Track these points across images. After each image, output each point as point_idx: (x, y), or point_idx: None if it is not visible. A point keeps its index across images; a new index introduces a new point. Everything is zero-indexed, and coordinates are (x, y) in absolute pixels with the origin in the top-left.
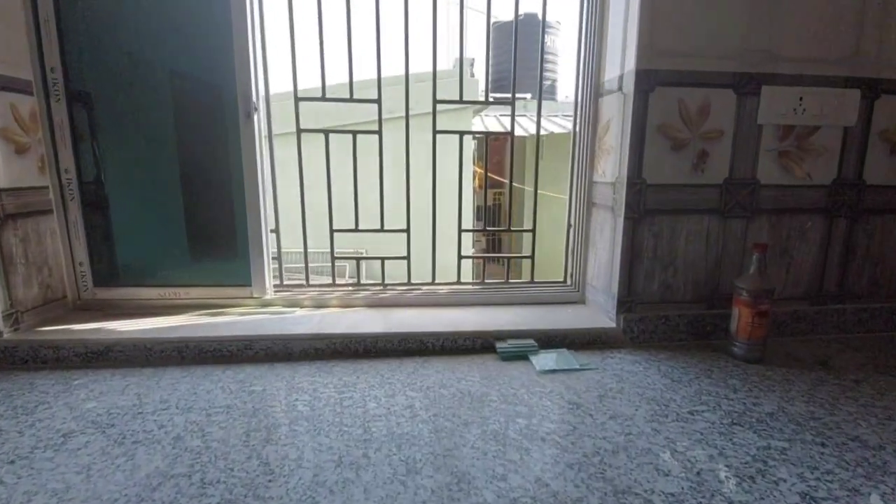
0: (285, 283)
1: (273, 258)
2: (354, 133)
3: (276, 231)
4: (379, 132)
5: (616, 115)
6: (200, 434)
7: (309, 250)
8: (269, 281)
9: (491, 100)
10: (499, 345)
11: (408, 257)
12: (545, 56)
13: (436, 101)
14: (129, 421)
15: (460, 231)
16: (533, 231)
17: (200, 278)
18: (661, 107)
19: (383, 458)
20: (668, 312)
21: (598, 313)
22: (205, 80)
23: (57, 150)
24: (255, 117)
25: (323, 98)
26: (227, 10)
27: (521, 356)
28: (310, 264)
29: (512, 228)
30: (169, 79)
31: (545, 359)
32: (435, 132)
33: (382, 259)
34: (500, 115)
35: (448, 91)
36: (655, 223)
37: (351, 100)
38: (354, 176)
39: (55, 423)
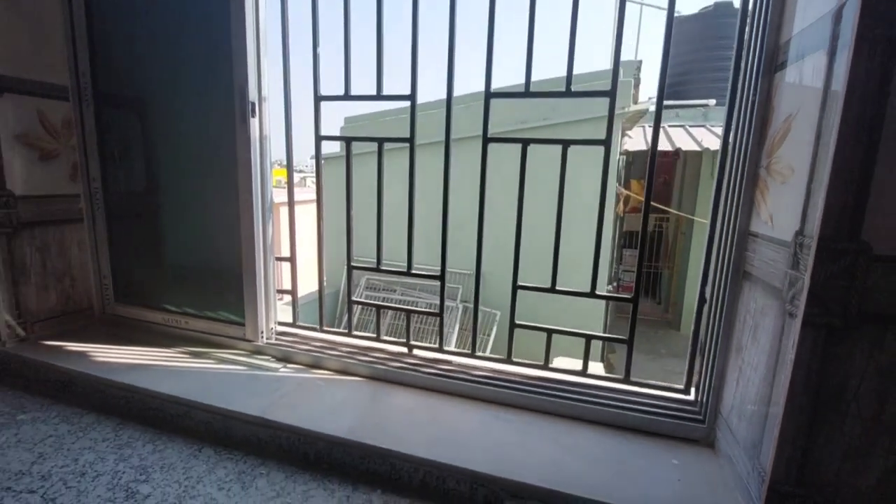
0: (279, 332)
1: (282, 291)
2: (380, 141)
3: (291, 260)
4: (411, 139)
5: (808, 102)
6: None
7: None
8: (263, 323)
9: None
10: None
11: (440, 313)
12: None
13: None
14: None
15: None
16: (634, 299)
17: (200, 308)
18: None
19: None
20: None
21: (731, 486)
22: (214, 84)
23: (85, 158)
24: (254, 122)
25: (346, 96)
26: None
27: None
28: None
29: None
30: (185, 88)
31: None
32: (486, 137)
33: (408, 311)
34: (670, 126)
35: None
36: (883, 347)
37: (378, 97)
38: (379, 198)
39: None
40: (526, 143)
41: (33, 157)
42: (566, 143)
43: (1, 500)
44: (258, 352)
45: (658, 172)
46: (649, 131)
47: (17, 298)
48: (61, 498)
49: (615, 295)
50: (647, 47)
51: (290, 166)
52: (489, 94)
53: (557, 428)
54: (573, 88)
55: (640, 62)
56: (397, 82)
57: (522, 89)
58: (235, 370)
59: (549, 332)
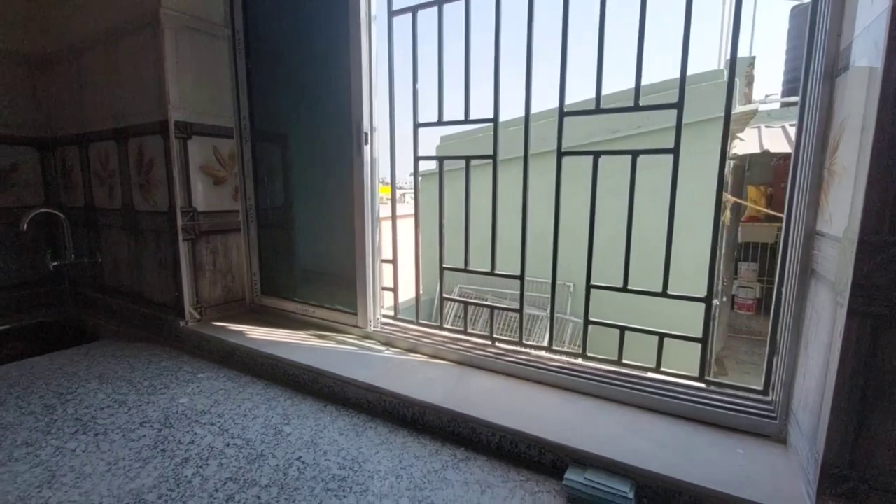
0: (383, 322)
1: (386, 289)
2: (467, 159)
3: (394, 262)
4: (493, 156)
5: (857, 105)
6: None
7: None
8: (371, 314)
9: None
10: (571, 473)
11: (520, 310)
12: None
13: (562, 115)
14: (183, 423)
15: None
16: (707, 299)
17: (322, 300)
18: None
19: None
20: None
21: (793, 473)
22: (337, 120)
23: (244, 182)
24: (366, 148)
25: (439, 122)
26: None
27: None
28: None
29: (671, 293)
30: (317, 122)
31: None
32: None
33: (492, 307)
34: (791, 125)
35: (698, 104)
36: None
37: (466, 121)
38: (466, 208)
39: (148, 409)
40: (597, 155)
41: (209, 182)
42: (635, 154)
43: (193, 429)
44: (367, 336)
45: (780, 177)
46: (766, 132)
47: (197, 289)
48: (231, 430)
49: (686, 295)
50: (763, 41)
51: (393, 183)
52: (562, 113)
53: (625, 413)
54: (661, 94)
55: (754, 58)
56: (483, 105)
57: (616, 100)
58: (350, 349)
59: (622, 329)
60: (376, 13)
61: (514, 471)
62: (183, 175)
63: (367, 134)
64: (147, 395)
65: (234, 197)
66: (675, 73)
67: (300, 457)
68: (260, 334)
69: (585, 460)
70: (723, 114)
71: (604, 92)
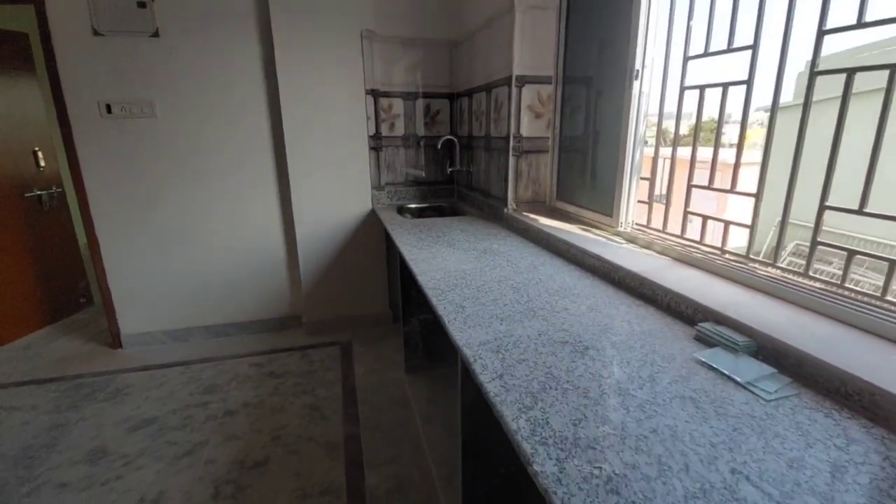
0: (635, 227)
1: (640, 202)
2: (725, 86)
3: (651, 181)
4: (748, 82)
5: None
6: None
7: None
8: (623, 218)
9: None
10: (705, 323)
11: (751, 227)
12: None
13: None
14: (490, 255)
15: None
16: None
17: (590, 204)
18: None
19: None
20: None
21: None
22: (618, 62)
23: (554, 116)
24: (636, 83)
25: (705, 54)
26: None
27: (713, 343)
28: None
29: None
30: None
31: (726, 357)
32: None
33: (723, 221)
34: None
35: None
36: None
37: (728, 50)
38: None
39: (478, 245)
40: (851, 72)
41: (532, 116)
42: (894, 69)
43: (494, 256)
44: (616, 234)
45: None
46: None
47: (516, 190)
48: (512, 260)
49: None
50: None
51: (660, 117)
52: (821, 32)
53: (801, 314)
54: None
55: None
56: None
57: None
58: (599, 239)
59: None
60: None
61: (669, 317)
62: (516, 112)
63: (638, 71)
64: (479, 240)
65: (546, 127)
66: None
67: (541, 278)
68: (546, 222)
69: (721, 320)
70: None
71: None
